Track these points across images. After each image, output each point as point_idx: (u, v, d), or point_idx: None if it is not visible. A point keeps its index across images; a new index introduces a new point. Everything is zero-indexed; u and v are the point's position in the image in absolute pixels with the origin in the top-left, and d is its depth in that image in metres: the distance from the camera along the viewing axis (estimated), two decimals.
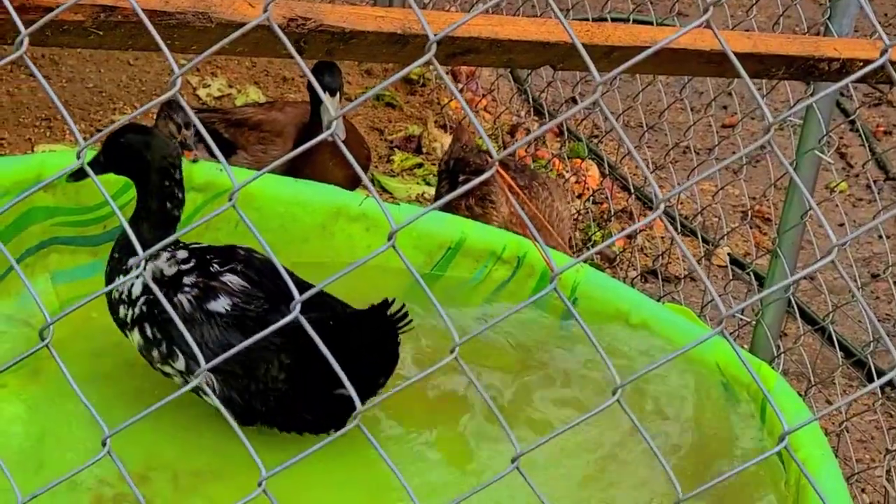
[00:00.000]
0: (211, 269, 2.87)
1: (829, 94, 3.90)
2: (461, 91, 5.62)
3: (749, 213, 4.83)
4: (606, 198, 5.16)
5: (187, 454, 2.84)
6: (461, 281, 3.37)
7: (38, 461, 2.77)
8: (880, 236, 5.12)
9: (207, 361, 1.70)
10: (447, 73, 5.08)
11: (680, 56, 3.10)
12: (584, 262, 3.52)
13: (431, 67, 1.86)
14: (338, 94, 3.88)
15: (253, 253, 2.93)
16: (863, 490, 4.09)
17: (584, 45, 1.68)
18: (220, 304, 2.81)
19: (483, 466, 2.91)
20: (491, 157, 1.58)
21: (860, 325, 4.72)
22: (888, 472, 4.01)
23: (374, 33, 2.78)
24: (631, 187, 5.27)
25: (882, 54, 1.60)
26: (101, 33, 2.60)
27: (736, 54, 1.71)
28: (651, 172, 4.92)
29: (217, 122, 4.20)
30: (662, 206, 1.61)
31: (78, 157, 1.73)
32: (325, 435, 2.85)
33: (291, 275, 2.67)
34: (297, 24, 2.70)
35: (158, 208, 2.83)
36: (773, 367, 3.33)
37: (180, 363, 2.82)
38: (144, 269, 2.69)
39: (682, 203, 5.29)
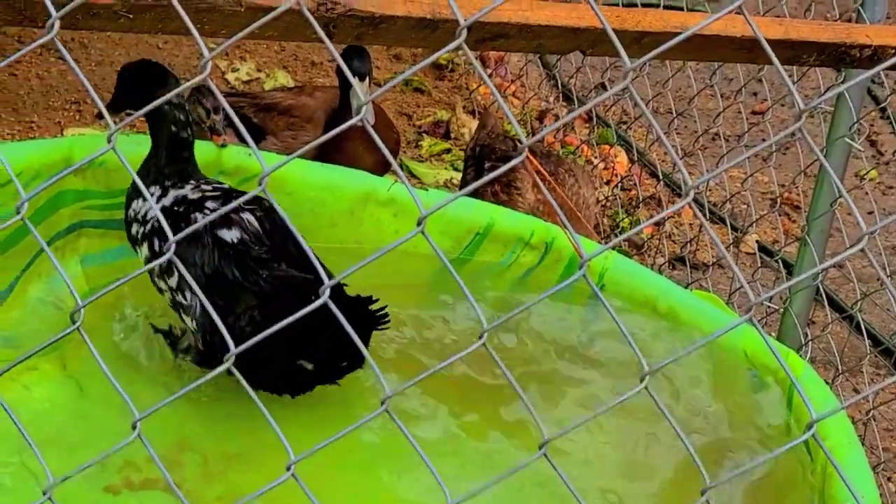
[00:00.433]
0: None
1: (861, 82, 3.88)
2: (490, 76, 5.61)
3: (778, 200, 4.80)
4: (635, 184, 5.15)
5: (218, 438, 2.86)
6: (489, 265, 3.36)
7: (69, 444, 2.78)
8: None
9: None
10: (476, 59, 5.07)
11: (711, 42, 3.08)
12: (612, 248, 3.52)
13: (460, 53, 1.86)
14: (367, 79, 3.87)
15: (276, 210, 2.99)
16: (889, 479, 4.07)
17: (614, 30, 1.67)
18: (230, 235, 2.87)
19: (509, 454, 2.91)
20: (520, 142, 1.57)
21: (888, 313, 4.70)
22: None
23: (403, 18, 2.78)
24: (659, 174, 5.25)
25: None
26: (130, 17, 2.61)
27: (768, 41, 1.70)
28: (680, 159, 4.90)
29: (246, 106, 4.20)
30: (692, 193, 1.61)
31: (109, 141, 1.73)
32: (352, 420, 2.85)
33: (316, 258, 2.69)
34: (326, 8, 2.70)
35: (167, 133, 2.98)
36: (800, 356, 3.32)
37: (173, 280, 2.88)
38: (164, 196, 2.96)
39: (710, 190, 5.27)
